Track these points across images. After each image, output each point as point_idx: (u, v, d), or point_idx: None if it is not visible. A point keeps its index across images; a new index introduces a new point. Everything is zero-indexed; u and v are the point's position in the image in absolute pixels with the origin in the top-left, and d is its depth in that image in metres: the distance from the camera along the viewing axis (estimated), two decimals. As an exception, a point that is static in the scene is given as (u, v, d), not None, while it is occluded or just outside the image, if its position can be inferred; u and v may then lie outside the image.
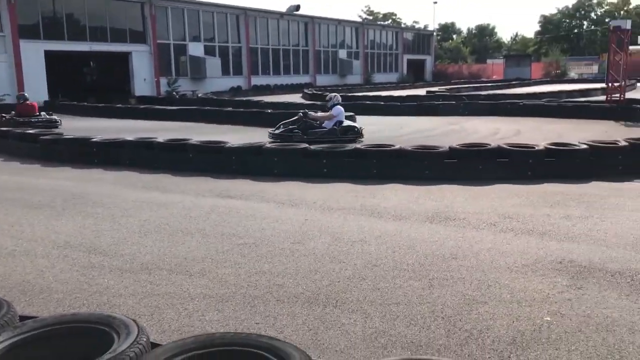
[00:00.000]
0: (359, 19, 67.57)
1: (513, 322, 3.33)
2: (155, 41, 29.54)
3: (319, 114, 11.88)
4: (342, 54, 44.37)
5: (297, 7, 40.46)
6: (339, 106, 11.45)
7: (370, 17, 75.68)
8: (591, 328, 3.24)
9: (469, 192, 6.99)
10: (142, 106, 22.08)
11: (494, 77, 51.03)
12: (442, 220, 5.70)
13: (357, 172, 8.05)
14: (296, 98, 26.31)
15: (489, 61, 64.99)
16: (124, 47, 28.52)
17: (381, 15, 77.71)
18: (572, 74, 50.17)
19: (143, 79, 29.12)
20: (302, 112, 11.37)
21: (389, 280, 4.01)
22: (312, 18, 41.29)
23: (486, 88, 33.51)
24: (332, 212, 6.08)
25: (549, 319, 3.36)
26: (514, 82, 39.70)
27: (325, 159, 8.23)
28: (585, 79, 43.86)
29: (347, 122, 11.54)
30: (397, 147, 8.36)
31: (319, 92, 27.93)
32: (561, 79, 47.28)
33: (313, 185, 7.52)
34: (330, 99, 11.83)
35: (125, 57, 28.73)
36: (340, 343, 3.11)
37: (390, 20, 75.94)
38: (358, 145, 8.79)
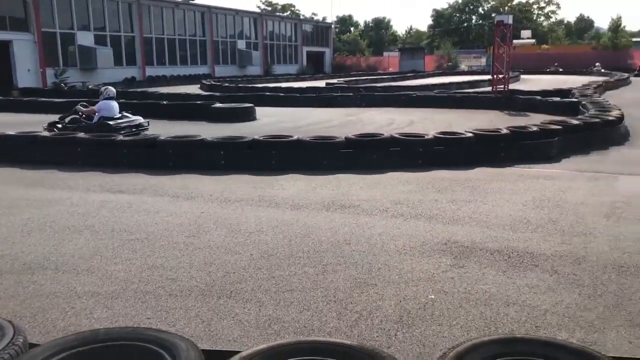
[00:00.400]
0: (258, 10, 67.12)
1: (400, 301, 3.49)
2: (40, 29, 27.70)
3: (88, 108, 10.98)
4: (241, 44, 43.91)
5: (193, -4, 39.52)
6: (107, 101, 10.46)
7: (269, 8, 75.41)
8: (471, 303, 3.46)
9: (364, 180, 7.20)
10: (25, 99, 20.67)
11: (390, 69, 52.62)
12: (338, 208, 5.83)
13: (255, 163, 8.04)
14: (194, 89, 25.71)
15: (385, 54, 66.86)
16: (3, 35, 26.53)
17: (280, 7, 77.66)
18: (463, 67, 52.77)
19: (27, 69, 27.24)
20: (76, 107, 10.70)
21: (285, 269, 4.07)
22: (209, 8, 40.46)
23: (383, 80, 34.48)
24: (229, 204, 6.04)
25: (433, 297, 3.56)
26: (408, 74, 41.13)
27: (222, 150, 8.14)
28: (474, 71, 46.28)
29: (133, 118, 10.66)
30: (295, 138, 8.43)
31: (218, 83, 27.51)
32: (452, 71, 49.62)
33: (210, 178, 7.42)
34: (101, 93, 10.80)
35: (5, 46, 26.73)
36: (233, 332, 3.12)
37: (289, 12, 76.04)
38: (257, 137, 8.77)
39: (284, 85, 27.87)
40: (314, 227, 5.13)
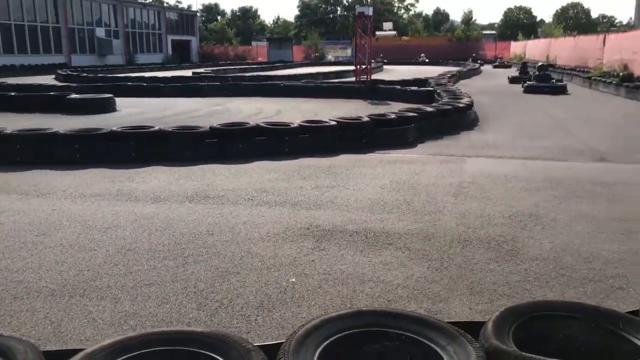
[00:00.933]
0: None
1: (262, 287, 3.52)
2: None
3: None
4: (100, 32, 41.53)
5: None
6: None
7: (131, -5, 71.98)
8: (330, 283, 3.58)
9: (230, 170, 7.15)
10: None
11: (259, 59, 52.63)
12: (202, 199, 5.74)
13: (114, 155, 7.67)
14: (49, 80, 23.92)
15: (253, 43, 66.72)
16: None
17: (142, -7, 74.37)
18: (330, 57, 54.11)
19: None
20: None
21: (143, 263, 3.93)
22: (62, -8, 37.81)
23: (251, 70, 34.38)
24: (84, 199, 5.71)
25: (294, 280, 3.64)
26: (277, 64, 41.37)
27: (77, 143, 7.67)
28: (341, 62, 47.62)
29: None
30: (156, 128, 8.17)
31: (75, 73, 25.84)
32: (320, 61, 50.68)
33: (64, 173, 6.95)
34: None
35: None
36: (85, 332, 2.97)
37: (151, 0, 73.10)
38: (115, 128, 8.36)
39: (147, 75, 26.82)
40: (175, 219, 5.01)
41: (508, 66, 39.45)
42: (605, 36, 24.73)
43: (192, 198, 5.77)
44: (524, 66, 27.45)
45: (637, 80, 18.02)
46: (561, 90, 18.76)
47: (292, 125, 8.52)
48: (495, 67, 40.66)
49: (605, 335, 2.14)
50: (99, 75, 25.81)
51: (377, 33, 58.80)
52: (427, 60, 48.39)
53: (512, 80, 23.82)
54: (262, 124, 8.54)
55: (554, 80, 20.14)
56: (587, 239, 4.43)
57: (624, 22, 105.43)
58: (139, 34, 47.48)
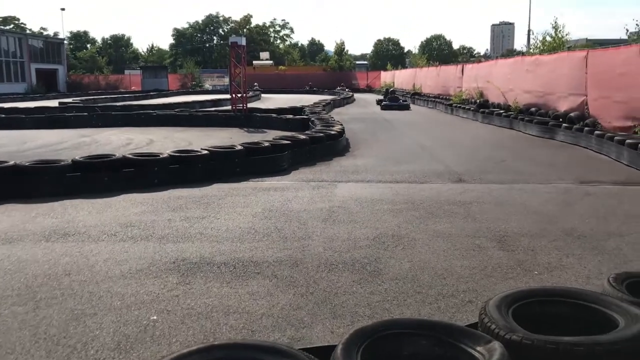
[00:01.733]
0: (-27, 22, 59.43)
1: (120, 327, 3.36)
2: None
3: None
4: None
5: None
6: None
7: (-12, 21, 67.13)
8: (193, 318, 3.50)
9: (94, 205, 6.80)
10: None
11: (133, 88, 51.03)
12: (61, 237, 5.40)
13: (-38, 195, 7.01)
14: None
15: (126, 72, 64.57)
16: None
17: (0, 19, 69.60)
18: (207, 86, 53.67)
19: None
20: None
21: (-13, 311, 3.61)
22: None
23: (124, 99, 33.21)
24: None
25: (155, 317, 3.51)
26: (152, 93, 40.32)
27: None
28: (218, 90, 47.34)
29: None
30: (11, 163, 7.58)
31: None
32: (196, 90, 50.09)
33: None
34: None
35: None
36: None
37: (12, 25, 68.59)
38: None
39: (6, 105, 24.99)
40: (29, 260, 4.66)
41: (405, 106, 40.01)
42: (463, 66, 26.78)
43: (50, 237, 5.41)
44: (386, 92, 31.89)
45: (492, 107, 19.66)
46: (406, 107, 26.17)
47: (161, 156, 8.30)
48: (384, 107, 41.03)
49: (445, 348, 2.27)
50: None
51: (255, 62, 59.45)
52: (315, 89, 49.10)
53: (379, 102, 28.72)
54: (129, 155, 8.24)
55: (401, 100, 27.40)
56: (443, 256, 4.71)
57: (482, 53, 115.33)
58: (-3, 62, 44.22)
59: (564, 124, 13.24)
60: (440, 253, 4.81)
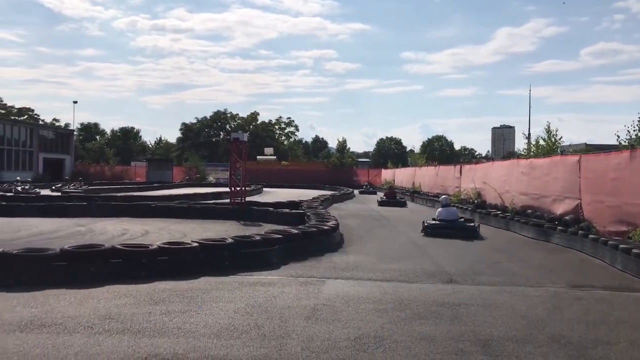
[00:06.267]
0: (-12, 112, 61.56)
1: None
2: None
3: None
4: (-38, 147, 39.13)
5: None
6: None
7: (3, 111, 69.29)
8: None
9: (77, 295, 6.70)
10: None
11: (138, 179, 51.72)
12: (36, 327, 5.29)
13: (-55, 281, 6.94)
14: None
15: (132, 163, 65.82)
16: None
17: (15, 110, 71.91)
18: (211, 179, 54.45)
19: None
20: None
21: (-58, 405, 3.47)
22: None
23: (127, 190, 33.62)
24: None
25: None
26: (155, 185, 40.88)
27: None
28: (222, 184, 47.89)
29: None
30: (-1, 251, 7.56)
31: None
32: (201, 182, 50.80)
33: None
34: None
35: None
36: None
37: (26, 116, 70.81)
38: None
39: (9, 194, 25.29)
40: (-3, 352, 4.54)
41: (373, 192, 40.11)
42: (461, 166, 27.27)
43: (25, 327, 5.29)
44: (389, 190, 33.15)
45: (489, 207, 19.79)
46: (402, 204, 27.74)
47: (150, 247, 8.28)
48: (361, 192, 40.95)
49: None
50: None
51: (258, 157, 60.68)
52: (326, 186, 48.06)
53: (380, 203, 28.09)
54: (118, 246, 8.22)
55: (398, 197, 29.54)
56: (423, 360, 4.57)
57: (483, 154, 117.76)
58: (7, 150, 45.27)
59: (559, 227, 13.26)
60: (421, 357, 4.66)
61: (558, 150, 18.97)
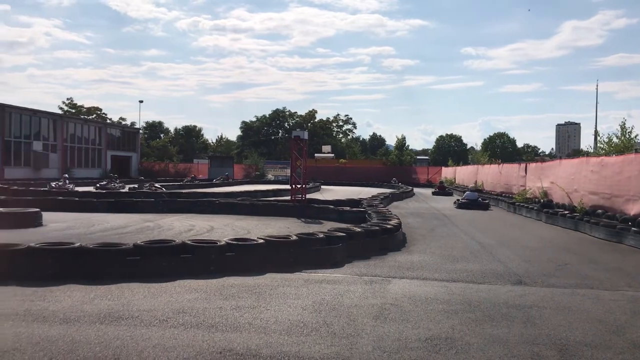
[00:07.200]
0: (60, 111, 64.37)
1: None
2: None
3: None
4: (37, 146, 41.13)
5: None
6: None
7: (73, 110, 72.43)
8: (233, 413, 3.42)
9: (150, 289, 6.93)
10: None
11: (200, 176, 52.94)
12: (114, 320, 5.50)
13: (30, 273, 7.33)
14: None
15: (195, 161, 67.44)
16: None
17: (85, 109, 75.03)
18: (269, 176, 55.14)
19: None
20: None
21: (35, 391, 3.66)
22: (2, 106, 37.70)
23: (190, 186, 34.46)
24: (-15, 319, 5.36)
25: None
26: (216, 181, 41.73)
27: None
28: (280, 181, 48.53)
29: None
30: (77, 245, 7.92)
31: (5, 186, 25.13)
32: (260, 179, 51.54)
33: (-30, 291, 6.56)
34: None
35: None
36: None
37: (94, 115, 73.76)
38: (33, 244, 8.05)
39: (81, 189, 26.41)
40: (82, 342, 4.75)
41: (449, 193, 36.28)
42: (527, 165, 26.48)
43: (104, 319, 5.52)
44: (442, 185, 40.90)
45: (556, 207, 19.15)
46: (450, 194, 35.55)
47: (219, 243, 8.47)
48: (434, 193, 36.52)
49: None
50: (30, 188, 25.26)
51: (316, 155, 60.88)
52: (400, 184, 44.63)
53: (434, 193, 36.68)
54: (188, 242, 8.45)
55: (447, 189, 37.97)
56: (498, 363, 4.47)
57: (547, 152, 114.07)
58: (77, 148, 47.32)
59: (633, 228, 12.68)
60: None
61: (633, 149, 18.10)
